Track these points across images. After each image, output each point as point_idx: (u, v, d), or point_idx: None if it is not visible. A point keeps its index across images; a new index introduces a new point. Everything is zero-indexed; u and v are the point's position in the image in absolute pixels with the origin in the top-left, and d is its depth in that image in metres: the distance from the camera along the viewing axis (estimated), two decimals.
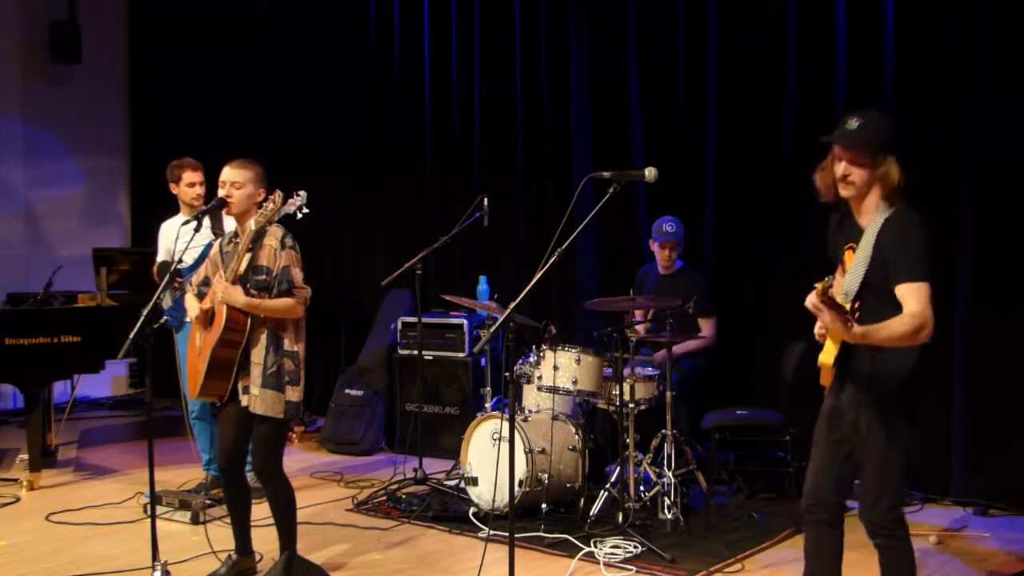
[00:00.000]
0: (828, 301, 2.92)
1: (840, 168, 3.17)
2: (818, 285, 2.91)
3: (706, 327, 5.71)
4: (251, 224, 3.98)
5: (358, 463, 6.57)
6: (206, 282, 4.18)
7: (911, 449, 3.20)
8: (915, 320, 3.01)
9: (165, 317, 5.60)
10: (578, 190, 3.68)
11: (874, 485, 3.22)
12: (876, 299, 3.14)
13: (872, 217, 3.17)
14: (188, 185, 5.52)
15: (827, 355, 3.21)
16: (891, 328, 3.03)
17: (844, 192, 3.20)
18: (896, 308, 3.08)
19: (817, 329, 3.27)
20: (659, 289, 5.72)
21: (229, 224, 4.70)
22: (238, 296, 3.93)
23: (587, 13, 6.55)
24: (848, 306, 3.17)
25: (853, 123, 3.15)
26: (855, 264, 3.17)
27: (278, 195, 3.99)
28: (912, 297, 3.03)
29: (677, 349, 5.56)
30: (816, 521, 3.38)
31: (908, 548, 3.24)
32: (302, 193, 5.31)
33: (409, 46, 7.60)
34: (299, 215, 5.25)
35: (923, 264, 3.06)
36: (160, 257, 5.64)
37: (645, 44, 6.35)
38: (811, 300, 2.95)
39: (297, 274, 4.01)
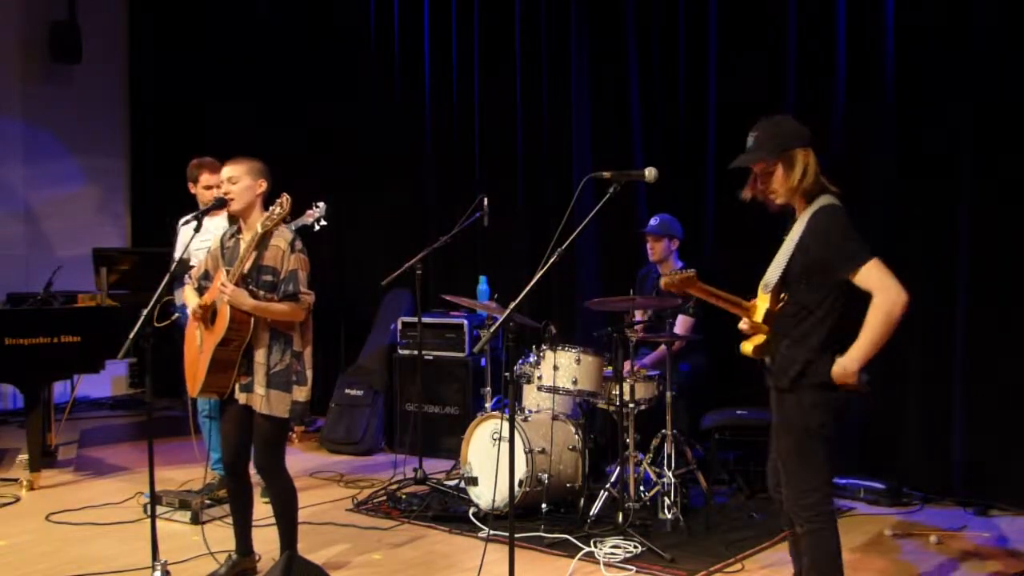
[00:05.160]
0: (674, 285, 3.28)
1: (759, 184, 3.28)
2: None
3: (680, 326, 5.62)
4: (257, 227, 3.96)
5: (358, 463, 6.57)
6: (206, 276, 4.17)
7: (833, 443, 3.24)
8: (886, 300, 3.08)
9: (177, 314, 5.59)
10: (578, 190, 3.68)
11: (784, 474, 3.29)
12: (796, 290, 3.23)
13: (802, 213, 3.25)
14: (205, 187, 5.39)
15: (746, 344, 3.38)
16: (874, 324, 3.09)
17: (776, 202, 3.29)
18: (814, 294, 3.18)
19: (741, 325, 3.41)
20: (659, 289, 5.70)
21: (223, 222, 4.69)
22: (245, 299, 3.91)
23: (587, 14, 6.55)
24: (769, 296, 3.27)
25: (749, 140, 3.28)
26: (777, 257, 3.26)
27: (286, 199, 3.93)
28: (870, 280, 3.10)
29: (648, 360, 5.57)
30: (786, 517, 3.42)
31: (826, 539, 3.24)
32: (321, 205, 5.29)
33: (409, 46, 7.60)
34: (316, 227, 5.23)
35: (859, 247, 3.13)
36: (178, 255, 5.61)
37: (645, 44, 6.35)
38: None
39: (303, 279, 4.01)
